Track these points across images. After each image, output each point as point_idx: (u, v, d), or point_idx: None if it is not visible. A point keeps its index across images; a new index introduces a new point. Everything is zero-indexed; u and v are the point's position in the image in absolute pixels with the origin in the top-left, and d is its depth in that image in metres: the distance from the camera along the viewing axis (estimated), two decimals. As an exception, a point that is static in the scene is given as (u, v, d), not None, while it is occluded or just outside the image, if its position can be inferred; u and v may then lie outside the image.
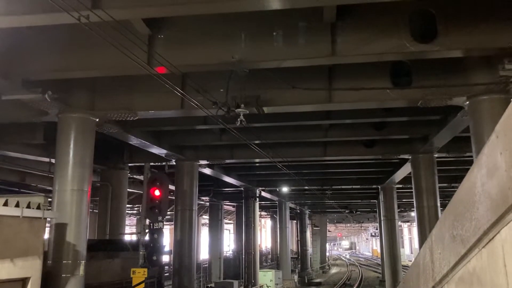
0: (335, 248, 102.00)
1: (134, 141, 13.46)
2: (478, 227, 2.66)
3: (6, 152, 14.04)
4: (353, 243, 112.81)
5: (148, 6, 6.53)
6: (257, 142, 13.44)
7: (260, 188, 26.87)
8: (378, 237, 39.16)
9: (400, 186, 23.90)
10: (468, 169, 2.93)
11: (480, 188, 2.60)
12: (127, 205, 20.91)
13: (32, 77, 8.74)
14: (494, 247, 2.53)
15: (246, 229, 27.04)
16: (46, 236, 9.03)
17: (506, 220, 2.30)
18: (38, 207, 7.76)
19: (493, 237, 2.52)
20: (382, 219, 25.55)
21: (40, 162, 15.72)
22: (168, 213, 16.48)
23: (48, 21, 6.63)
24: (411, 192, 16.22)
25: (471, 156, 11.09)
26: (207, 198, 29.02)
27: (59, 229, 9.56)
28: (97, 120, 10.51)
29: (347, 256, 79.90)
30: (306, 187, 25.01)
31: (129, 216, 35.69)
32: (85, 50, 8.33)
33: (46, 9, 5.90)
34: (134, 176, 19.73)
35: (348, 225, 70.26)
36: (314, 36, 7.85)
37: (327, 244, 61.60)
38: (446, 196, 19.86)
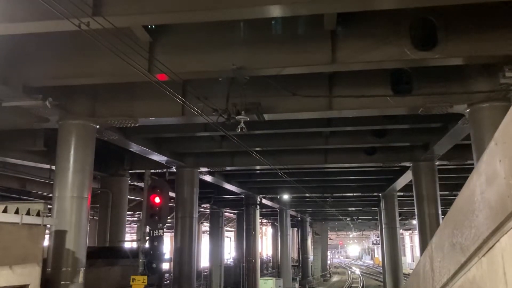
0: (337, 256, 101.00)
1: (135, 148, 13.45)
2: (478, 235, 2.63)
3: (7, 158, 14.02)
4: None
5: (149, 13, 6.54)
6: (257, 149, 13.43)
7: (261, 196, 26.82)
8: (380, 245, 39.02)
9: (401, 193, 23.86)
10: (469, 177, 2.90)
11: (479, 196, 2.58)
12: (127, 212, 20.84)
13: (32, 84, 8.75)
14: (494, 255, 2.51)
15: (246, 236, 26.96)
16: (46, 243, 9.00)
17: (506, 229, 2.27)
18: (38, 214, 7.73)
19: (492, 246, 2.49)
20: (383, 227, 25.47)
21: (41, 168, 15.70)
22: (169, 220, 16.45)
23: (49, 28, 6.64)
24: (412, 199, 16.17)
25: (472, 164, 11.06)
26: (207, 205, 28.96)
27: (59, 236, 9.52)
28: (98, 127, 10.51)
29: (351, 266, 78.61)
30: (307, 195, 24.96)
31: (129, 223, 35.60)
32: (86, 57, 8.35)
33: (47, 16, 5.91)
34: (135, 183, 19.69)
35: (349, 232, 70.04)
36: (314, 43, 7.86)
37: (328, 252, 61.34)
38: (448, 204, 19.73)
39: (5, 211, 7.12)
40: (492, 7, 7.22)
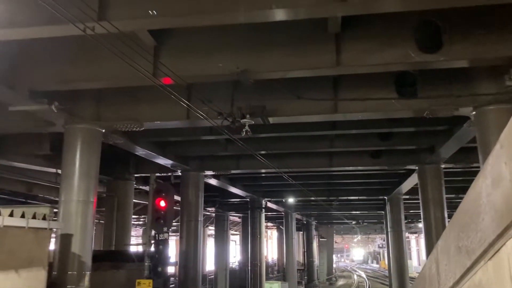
0: (342, 260, 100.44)
1: (140, 151, 13.48)
2: (484, 238, 2.61)
3: (13, 162, 14.09)
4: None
5: (154, 17, 6.56)
6: (262, 152, 13.43)
7: (266, 199, 26.78)
8: (385, 248, 38.87)
9: (407, 197, 23.72)
10: (475, 180, 2.88)
11: (485, 199, 2.56)
12: (133, 216, 20.90)
13: (38, 88, 8.80)
14: (500, 259, 2.49)
15: (252, 240, 26.92)
16: (52, 247, 9.03)
17: (512, 232, 2.26)
18: (44, 218, 7.76)
19: (498, 249, 2.47)
20: (389, 230, 25.35)
21: (47, 172, 15.78)
22: (174, 224, 16.47)
23: (54, 32, 6.68)
24: (418, 203, 16.10)
25: (478, 167, 11.00)
26: (213, 208, 28.96)
27: (65, 240, 9.55)
28: (103, 130, 10.55)
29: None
30: (312, 198, 24.92)
31: (135, 227, 35.66)
32: (91, 61, 8.39)
33: (52, 21, 5.95)
34: (140, 187, 19.75)
35: (355, 236, 69.77)
36: (319, 46, 7.86)
37: (333, 255, 61.11)
38: (453, 207, 19.48)
39: (11, 215, 7.15)
40: (497, 9, 7.19)
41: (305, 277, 42.42)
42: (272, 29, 7.86)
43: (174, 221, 15.53)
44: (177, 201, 17.28)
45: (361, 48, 7.74)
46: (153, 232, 11.51)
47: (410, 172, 17.65)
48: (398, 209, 24.17)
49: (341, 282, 51.05)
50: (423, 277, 5.04)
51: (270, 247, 62.20)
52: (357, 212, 36.58)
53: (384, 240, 47.50)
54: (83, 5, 5.72)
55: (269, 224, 46.00)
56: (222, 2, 6.42)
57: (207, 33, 8.12)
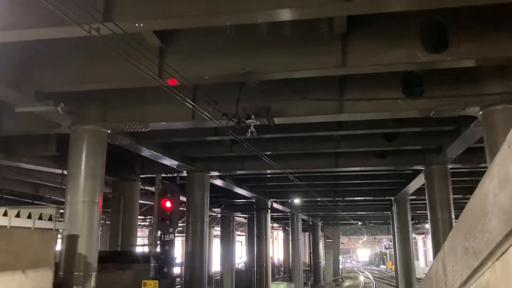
0: (349, 261, 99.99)
1: (146, 152, 13.51)
2: (491, 239, 2.59)
3: (20, 164, 14.18)
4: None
5: (159, 18, 6.58)
6: (268, 153, 13.42)
7: (272, 200, 26.76)
8: (392, 249, 38.68)
9: (414, 197, 23.61)
10: (483, 181, 2.84)
11: (492, 200, 2.53)
12: (139, 217, 20.95)
13: (44, 90, 8.83)
14: (507, 259, 2.46)
15: (258, 241, 26.91)
16: (58, 247, 9.06)
17: (520, 233, 2.23)
18: (50, 219, 7.79)
19: (506, 250, 2.45)
20: (395, 231, 25.23)
21: (53, 173, 15.86)
22: (180, 224, 16.48)
23: (60, 34, 6.70)
24: (425, 203, 16.02)
25: (486, 167, 10.92)
26: (218, 209, 28.98)
27: (71, 241, 9.58)
28: (109, 132, 10.58)
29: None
30: (318, 199, 24.85)
31: (141, 228, 35.75)
32: (96, 63, 8.41)
33: (58, 22, 5.97)
34: (146, 188, 19.80)
35: (362, 237, 69.59)
36: (324, 46, 7.84)
37: (340, 256, 60.93)
38: (461, 208, 19.32)
39: (18, 215, 7.17)
40: (503, 8, 7.13)
41: (311, 278, 42.33)
42: (278, 30, 7.84)
43: (179, 222, 15.55)
44: (182, 202, 17.30)
45: (367, 48, 7.71)
46: (159, 233, 11.52)
47: (416, 173, 17.57)
48: (405, 209, 24.06)
49: (347, 283, 50.90)
50: (430, 278, 5.00)
51: (276, 248, 62.16)
52: (364, 213, 36.46)
53: (390, 241, 47.27)
54: (88, 6, 5.73)
55: (275, 225, 45.96)
56: (228, 3, 6.40)
57: (212, 34, 8.11)
